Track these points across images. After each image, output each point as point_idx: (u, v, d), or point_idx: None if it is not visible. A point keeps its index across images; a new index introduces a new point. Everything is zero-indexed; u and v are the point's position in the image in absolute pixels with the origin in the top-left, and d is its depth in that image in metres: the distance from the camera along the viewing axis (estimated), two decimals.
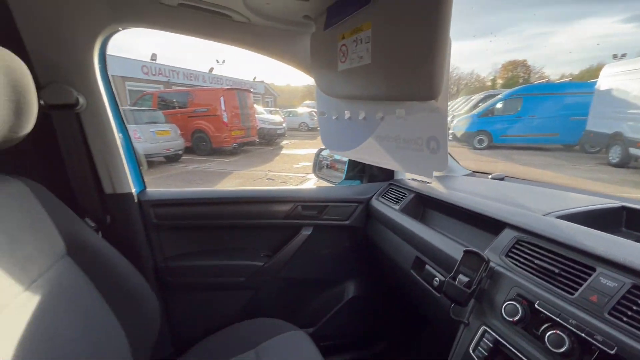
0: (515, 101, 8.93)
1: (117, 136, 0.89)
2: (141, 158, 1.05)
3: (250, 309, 1.12)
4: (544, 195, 0.85)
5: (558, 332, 0.47)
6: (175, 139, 7.47)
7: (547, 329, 0.49)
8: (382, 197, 1.11)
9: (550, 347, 0.47)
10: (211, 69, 16.40)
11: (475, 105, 10.44)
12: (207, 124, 8.49)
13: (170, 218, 1.03)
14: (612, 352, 0.42)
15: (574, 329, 0.46)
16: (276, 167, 7.27)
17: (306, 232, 1.13)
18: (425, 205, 1.01)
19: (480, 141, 9.21)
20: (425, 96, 0.47)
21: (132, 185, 0.94)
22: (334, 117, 0.81)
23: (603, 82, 6.79)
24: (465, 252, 0.65)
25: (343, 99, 0.73)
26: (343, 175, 1.34)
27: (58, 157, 0.82)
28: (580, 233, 0.58)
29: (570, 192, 0.87)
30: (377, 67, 0.56)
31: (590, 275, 0.50)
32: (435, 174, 1.23)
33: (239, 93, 8.93)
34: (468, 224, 0.83)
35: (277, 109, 13.63)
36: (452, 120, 10.12)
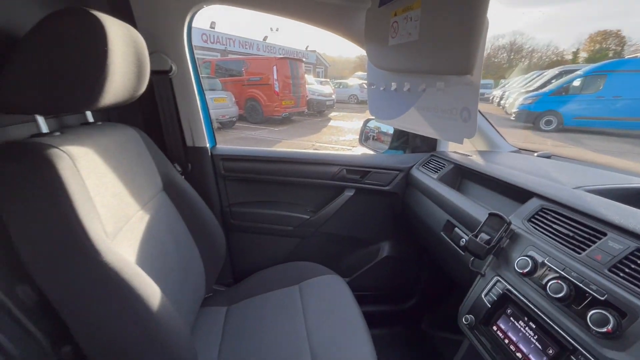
0: (597, 78, 7.83)
1: (198, 99, 1.07)
2: (213, 118, 1.24)
3: (295, 254, 1.30)
4: (582, 172, 0.87)
5: (559, 281, 0.55)
6: (230, 106, 7.89)
7: (550, 280, 0.57)
8: (422, 167, 1.18)
9: (550, 293, 0.55)
10: (265, 37, 16.57)
11: (548, 82, 9.36)
12: (259, 92, 8.80)
13: (235, 171, 1.22)
14: (602, 298, 0.50)
15: (573, 280, 0.54)
16: (323, 138, 7.41)
17: (348, 193, 1.26)
18: (462, 176, 1.07)
19: (548, 122, 8.33)
20: (462, 71, 0.54)
21: (207, 140, 1.14)
22: (381, 88, 0.90)
23: None
24: (490, 214, 0.73)
25: (391, 71, 0.81)
26: (387, 146, 1.42)
27: (156, 114, 1.02)
28: (601, 203, 0.63)
29: (614, 172, 0.87)
30: (422, 44, 0.63)
31: (600, 239, 0.57)
32: (480, 148, 1.27)
33: (291, 62, 9.02)
34: (500, 193, 0.89)
35: (328, 80, 13.52)
36: (517, 98, 9.24)
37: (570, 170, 0.91)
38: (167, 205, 0.88)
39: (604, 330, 0.46)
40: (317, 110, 10.78)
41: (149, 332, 0.55)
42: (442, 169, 1.09)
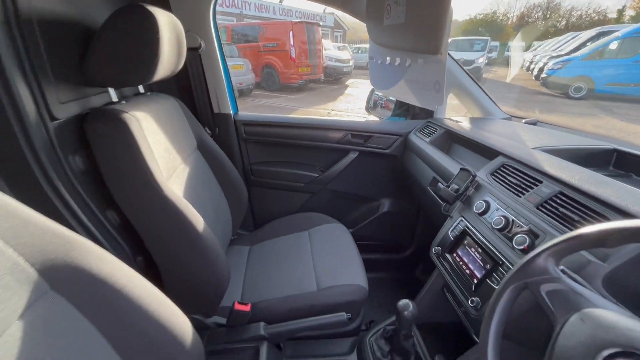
0: (636, 41, 7.25)
1: (222, 71, 1.24)
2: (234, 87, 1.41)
3: (306, 206, 1.52)
4: (550, 135, 1.00)
5: (501, 217, 0.73)
6: (247, 73, 7.89)
7: (495, 216, 0.75)
8: (419, 132, 1.33)
9: (494, 225, 0.73)
10: (281, 0, 16.00)
11: (582, 45, 8.72)
12: (275, 59, 8.70)
13: (255, 135, 1.42)
14: (526, 227, 0.67)
15: (510, 215, 0.72)
16: (339, 106, 7.43)
17: (353, 155, 1.43)
18: (452, 140, 1.22)
19: (578, 89, 7.87)
20: (433, 51, 0.68)
21: (230, 108, 1.33)
22: (379, 62, 1.03)
23: None
24: (461, 169, 0.90)
25: (386, 47, 0.94)
26: (390, 113, 1.56)
27: (188, 85, 1.21)
28: (545, 159, 0.78)
29: (579, 136, 1.00)
30: (407, 26, 0.77)
31: (537, 186, 0.73)
32: (474, 115, 1.39)
33: (308, 27, 8.77)
34: (478, 153, 1.04)
35: (346, 45, 13.09)
36: (547, 63, 8.71)
37: (542, 134, 1.05)
38: (201, 161, 1.09)
39: (522, 247, 0.64)
40: (334, 77, 10.60)
41: (197, 248, 0.78)
42: (434, 133, 1.24)
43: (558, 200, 0.67)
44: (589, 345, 0.37)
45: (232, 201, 1.19)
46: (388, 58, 0.95)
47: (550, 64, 8.57)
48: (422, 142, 1.24)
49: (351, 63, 11.00)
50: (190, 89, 1.23)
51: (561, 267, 0.51)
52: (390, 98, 1.66)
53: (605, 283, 0.53)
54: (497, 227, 0.72)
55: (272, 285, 1.00)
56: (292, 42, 8.45)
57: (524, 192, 0.75)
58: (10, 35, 0.57)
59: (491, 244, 0.73)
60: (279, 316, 0.90)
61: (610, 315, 0.39)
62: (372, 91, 1.69)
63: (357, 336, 1.01)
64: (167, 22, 0.76)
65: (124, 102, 0.81)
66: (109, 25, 0.71)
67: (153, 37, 0.71)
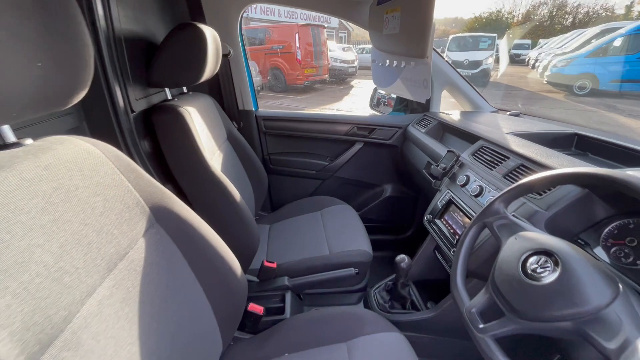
0: None
1: (246, 74, 1.46)
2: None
3: (318, 192, 1.72)
4: (525, 123, 1.19)
5: (477, 186, 0.92)
6: (254, 75, 8.10)
7: (473, 186, 0.94)
8: (416, 124, 1.53)
9: (471, 193, 0.93)
10: None
11: (587, 42, 8.75)
12: (282, 61, 8.93)
13: (273, 128, 1.63)
14: (495, 190, 0.86)
15: (483, 184, 0.91)
16: (345, 106, 7.63)
17: (358, 146, 1.63)
18: (444, 130, 1.41)
19: (582, 87, 7.91)
20: (420, 55, 0.88)
21: (252, 105, 1.54)
22: (380, 64, 1.23)
23: None
24: (448, 151, 1.09)
25: (385, 52, 1.13)
26: (391, 109, 1.76)
27: (217, 86, 1.43)
28: (514, 141, 0.98)
29: (550, 123, 1.19)
30: (401, 35, 0.96)
31: (506, 161, 0.92)
32: (465, 109, 1.57)
33: (313, 29, 8.99)
34: (464, 139, 1.23)
35: (350, 46, 13.29)
36: (552, 60, 8.77)
37: (520, 122, 1.23)
38: (230, 150, 1.30)
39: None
40: (339, 78, 10.79)
41: (235, 213, 0.99)
42: (429, 125, 1.43)
43: (520, 170, 0.86)
44: (516, 252, 0.57)
45: (255, 185, 1.40)
46: (387, 61, 1.15)
47: (554, 62, 8.60)
48: (418, 133, 1.44)
49: (356, 64, 11.18)
50: (219, 89, 1.45)
51: (512, 213, 0.71)
52: (392, 96, 1.85)
53: (546, 226, 0.72)
54: (474, 194, 0.92)
55: (291, 251, 1.20)
56: (298, 44, 8.66)
57: (495, 166, 0.94)
58: (110, 50, 0.78)
59: (469, 208, 0.92)
60: (299, 272, 1.10)
61: (533, 233, 0.59)
62: (375, 90, 1.89)
63: (364, 292, 1.21)
64: (211, 36, 0.97)
65: (176, 99, 1.03)
66: (169, 40, 0.92)
67: (202, 48, 0.92)
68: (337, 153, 1.67)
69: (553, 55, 9.18)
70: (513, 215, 0.68)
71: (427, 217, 1.08)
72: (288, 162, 1.68)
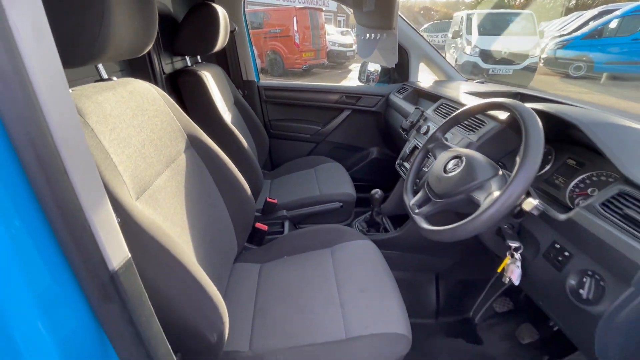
0: (635, 19, 7.36)
1: (249, 48, 1.69)
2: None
3: (312, 153, 1.98)
4: (482, 87, 1.44)
5: (429, 129, 1.18)
6: None
7: (428, 130, 1.20)
8: (397, 92, 1.77)
9: (426, 136, 1.18)
10: None
11: (585, 24, 8.79)
12: (280, 45, 8.99)
13: (273, 97, 1.88)
14: (434, 126, 1.12)
15: (433, 125, 1.16)
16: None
17: (347, 112, 1.88)
18: (418, 96, 1.66)
19: (577, 68, 7.99)
20: (388, 27, 1.12)
21: (254, 76, 1.78)
22: (362, 38, 1.47)
23: None
24: (415, 108, 1.35)
25: (365, 27, 1.37)
26: (377, 80, 2.00)
27: (224, 59, 1.67)
28: (461, 95, 1.23)
29: (504, 86, 1.44)
30: (375, 12, 1.20)
31: (455, 110, 1.17)
32: (440, 78, 1.81)
33: (311, 12, 9.01)
34: (432, 101, 1.48)
35: (349, 30, 13.25)
36: (549, 43, 8.82)
37: (479, 86, 1.48)
38: (237, 113, 1.55)
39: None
40: (338, 62, 10.84)
41: (245, 157, 1.24)
42: (406, 92, 1.68)
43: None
44: (442, 159, 0.84)
45: (258, 144, 1.65)
46: (367, 34, 1.38)
47: (551, 44, 8.64)
48: (398, 99, 1.68)
49: (354, 47, 11.16)
50: (225, 62, 1.69)
51: (448, 143, 0.97)
52: (379, 73, 2.09)
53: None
54: (428, 135, 1.18)
55: (289, 194, 1.46)
56: (295, 28, 8.70)
57: (448, 115, 1.19)
58: None
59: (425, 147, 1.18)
60: (295, 207, 1.37)
61: (454, 148, 0.85)
62: (363, 64, 2.12)
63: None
64: (222, 14, 1.21)
65: (194, 66, 1.27)
66: (189, 17, 1.16)
67: (216, 24, 1.16)
68: (328, 119, 1.92)
69: (551, 37, 9.20)
70: (448, 142, 0.95)
71: (398, 161, 1.35)
72: (286, 127, 1.94)
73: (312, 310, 0.85)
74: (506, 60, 7.18)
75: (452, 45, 8.73)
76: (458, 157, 0.80)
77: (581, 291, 0.59)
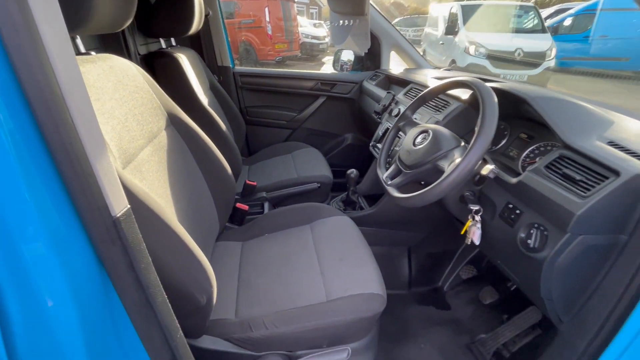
0: (587, 17, 7.91)
1: (224, 33, 1.69)
2: None
3: (289, 139, 2.02)
4: (448, 73, 1.54)
5: (399, 111, 1.25)
6: None
7: (399, 112, 1.27)
8: (370, 79, 1.84)
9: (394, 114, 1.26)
10: None
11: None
12: (252, 36, 8.83)
13: (249, 84, 1.88)
14: (403, 107, 1.20)
15: (401, 108, 1.24)
16: None
17: (322, 99, 1.93)
18: (390, 82, 1.73)
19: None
20: (360, 13, 1.17)
21: (230, 62, 1.78)
22: (336, 25, 1.52)
23: None
24: (387, 92, 1.42)
25: (339, 13, 1.41)
26: (350, 68, 2.06)
27: (199, 43, 1.65)
28: (429, 80, 1.31)
29: (467, 73, 1.54)
30: None
31: (419, 90, 1.26)
32: (410, 66, 1.90)
33: (283, 4, 8.91)
34: (403, 86, 1.56)
35: (321, 22, 13.21)
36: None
37: (445, 72, 1.58)
38: (213, 98, 1.55)
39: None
40: (311, 54, 10.82)
41: (223, 140, 1.26)
42: (379, 78, 1.75)
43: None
44: (411, 135, 0.91)
45: (235, 130, 1.66)
46: (340, 21, 1.43)
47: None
48: (370, 86, 1.75)
49: (327, 40, 11.17)
50: (200, 47, 1.67)
51: (416, 121, 1.04)
52: (352, 62, 2.14)
53: None
54: (397, 115, 1.25)
55: (267, 178, 1.50)
56: (268, 19, 8.58)
57: (413, 95, 1.27)
58: None
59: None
60: (274, 189, 1.41)
61: (421, 124, 0.93)
62: (337, 52, 2.17)
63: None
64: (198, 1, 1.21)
65: (169, 49, 1.26)
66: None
67: (191, 5, 1.16)
68: (304, 106, 1.96)
69: None
70: (417, 120, 1.02)
71: (372, 143, 1.42)
72: (262, 113, 1.96)
73: (294, 279, 0.90)
74: (518, 63, 5.81)
75: (441, 42, 6.99)
76: (425, 131, 0.87)
77: (529, 241, 0.68)
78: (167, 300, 0.48)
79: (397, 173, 0.92)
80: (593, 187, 0.61)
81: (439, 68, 1.86)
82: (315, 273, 0.91)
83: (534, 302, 0.86)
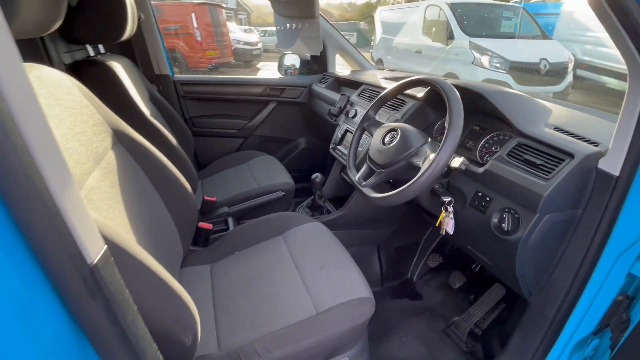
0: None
1: (159, 38, 1.54)
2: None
3: (241, 149, 1.92)
4: (392, 73, 1.61)
5: (361, 114, 1.27)
6: None
7: (356, 114, 1.29)
8: (319, 82, 1.84)
9: (358, 120, 1.27)
10: None
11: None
12: (180, 43, 8.34)
13: (192, 93, 1.75)
14: (356, 106, 1.22)
15: (357, 108, 1.26)
16: None
17: (272, 105, 1.88)
18: (340, 84, 1.76)
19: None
20: (311, 16, 1.16)
21: (168, 70, 1.63)
22: (283, 28, 1.49)
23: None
24: (341, 94, 1.43)
25: (285, 17, 1.39)
26: (298, 72, 2.04)
27: (131, 51, 1.48)
28: (380, 81, 1.36)
29: (409, 72, 1.64)
30: (294, 1, 1.23)
31: (378, 93, 1.29)
32: (354, 69, 1.95)
33: (211, 9, 8.60)
34: (353, 88, 1.59)
35: (252, 28, 13.03)
36: None
37: (389, 73, 1.65)
38: (155, 110, 1.40)
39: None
40: (245, 61, 10.60)
41: (175, 154, 1.14)
42: (328, 81, 1.76)
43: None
44: (379, 134, 0.91)
45: (182, 144, 1.53)
46: (287, 25, 1.40)
47: None
48: (320, 88, 1.75)
49: (260, 45, 11.08)
50: (132, 54, 1.50)
51: (381, 121, 1.06)
52: (296, 66, 2.13)
53: None
54: (355, 119, 1.27)
55: (226, 191, 1.40)
56: (195, 25, 8.20)
57: (373, 98, 1.30)
58: None
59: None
60: (236, 202, 1.32)
61: (387, 123, 0.94)
62: (282, 56, 2.14)
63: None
64: (130, 4, 1.08)
65: (99, 56, 1.10)
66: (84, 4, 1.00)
67: (122, 6, 1.03)
68: (254, 112, 1.89)
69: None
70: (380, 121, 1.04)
71: (331, 145, 1.41)
72: (210, 123, 1.83)
73: (277, 296, 0.85)
74: (541, 78, 4.56)
75: (415, 51, 5.67)
76: (393, 130, 0.89)
77: (503, 225, 0.73)
78: (158, 351, 0.40)
79: (370, 173, 0.93)
80: (553, 169, 0.67)
81: (384, 68, 1.94)
82: (298, 286, 0.87)
83: (505, 280, 0.93)
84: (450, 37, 4.98)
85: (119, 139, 0.77)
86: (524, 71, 4.52)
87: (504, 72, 4.46)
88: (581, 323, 0.76)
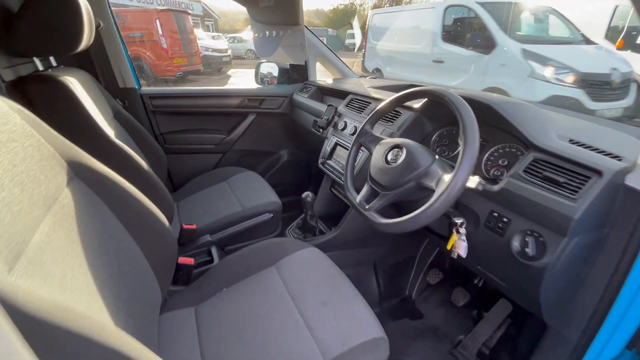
0: None
1: (122, 47, 1.38)
2: None
3: (219, 165, 1.78)
4: (378, 81, 1.55)
5: (353, 126, 1.19)
6: None
7: (346, 126, 1.21)
8: (300, 92, 1.74)
9: (348, 132, 1.19)
10: None
11: None
12: (144, 51, 7.96)
13: (162, 107, 1.59)
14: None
15: (356, 123, 1.18)
16: None
17: (251, 117, 1.76)
18: (322, 93, 1.67)
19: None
20: (294, 23, 1.07)
21: (134, 82, 1.46)
22: (261, 36, 1.38)
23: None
24: (328, 106, 1.34)
25: (264, 24, 1.29)
26: (276, 81, 1.94)
27: (90, 62, 1.31)
28: (368, 90, 1.29)
29: (395, 79, 1.58)
30: (275, 7, 1.13)
31: (368, 104, 1.21)
32: (336, 77, 1.88)
33: (176, 15, 8.29)
34: (339, 98, 1.51)
35: (220, 34, 12.73)
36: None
37: (376, 81, 1.59)
38: (120, 129, 1.24)
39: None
40: (215, 68, 10.32)
41: (147, 179, 1.00)
42: (310, 90, 1.67)
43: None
44: (380, 151, 0.83)
45: (153, 164, 1.37)
46: (267, 32, 1.30)
47: None
48: (303, 98, 1.66)
49: (229, 52, 10.84)
50: (91, 66, 1.33)
51: (380, 135, 0.98)
52: (274, 75, 2.03)
53: None
54: (351, 133, 1.19)
55: (206, 216, 1.26)
56: (160, 32, 7.87)
57: (363, 110, 1.23)
58: None
59: (350, 143, 1.19)
60: (219, 228, 1.19)
61: (388, 139, 0.86)
62: (258, 65, 2.02)
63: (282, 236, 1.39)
64: (85, 6, 0.93)
65: (50, 70, 0.94)
66: (33, 1, 0.84)
67: (76, 11, 0.88)
68: (233, 125, 1.76)
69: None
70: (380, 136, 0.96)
71: (320, 160, 1.32)
72: (184, 139, 1.68)
73: (277, 340, 0.74)
74: (611, 92, 3.62)
75: (434, 60, 4.65)
76: (396, 147, 0.81)
77: (527, 250, 0.66)
78: None
79: (373, 195, 0.84)
80: (579, 188, 0.62)
81: (366, 76, 1.88)
82: (300, 327, 0.76)
83: (521, 303, 0.87)
84: (489, 44, 3.96)
85: (77, 173, 0.63)
86: (594, 85, 3.53)
87: (574, 86, 3.48)
88: (606, 346, 0.72)
